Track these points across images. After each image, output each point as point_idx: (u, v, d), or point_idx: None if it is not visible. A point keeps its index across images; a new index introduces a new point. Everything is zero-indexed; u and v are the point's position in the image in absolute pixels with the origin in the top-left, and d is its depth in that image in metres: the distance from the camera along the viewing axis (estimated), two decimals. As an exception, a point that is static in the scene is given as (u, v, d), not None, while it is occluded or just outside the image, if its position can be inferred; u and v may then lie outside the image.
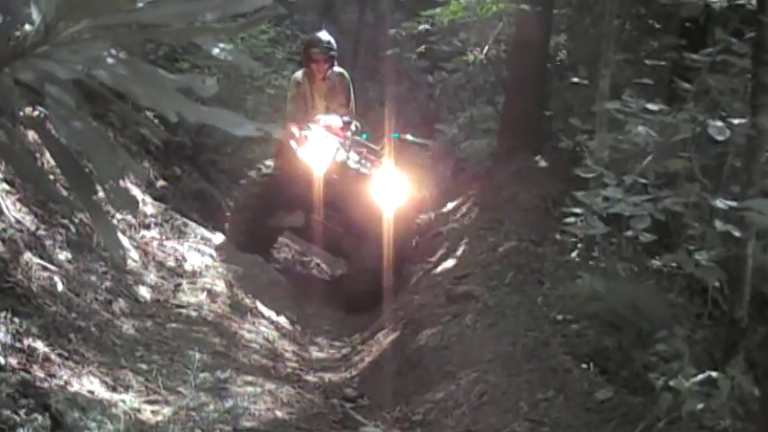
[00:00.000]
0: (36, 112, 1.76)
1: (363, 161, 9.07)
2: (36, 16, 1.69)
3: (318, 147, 8.77)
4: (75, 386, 4.43)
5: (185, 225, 8.22)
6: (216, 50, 1.97)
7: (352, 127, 9.44)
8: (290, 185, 8.79)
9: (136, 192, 7.44)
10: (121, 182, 1.92)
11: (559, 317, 6.45)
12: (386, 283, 8.67)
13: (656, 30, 8.08)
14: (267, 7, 1.93)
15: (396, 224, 8.78)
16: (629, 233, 6.61)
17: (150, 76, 1.80)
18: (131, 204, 2.30)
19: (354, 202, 8.81)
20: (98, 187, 1.91)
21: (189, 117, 1.80)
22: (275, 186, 8.91)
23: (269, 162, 9.25)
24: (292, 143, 8.83)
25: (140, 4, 1.77)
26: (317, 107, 9.52)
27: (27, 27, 1.71)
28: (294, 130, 8.97)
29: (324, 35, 9.72)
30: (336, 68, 9.74)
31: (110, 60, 1.77)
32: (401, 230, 8.99)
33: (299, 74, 9.84)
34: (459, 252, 8.99)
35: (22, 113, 1.88)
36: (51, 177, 3.21)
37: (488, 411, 5.41)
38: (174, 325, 6.23)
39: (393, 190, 8.85)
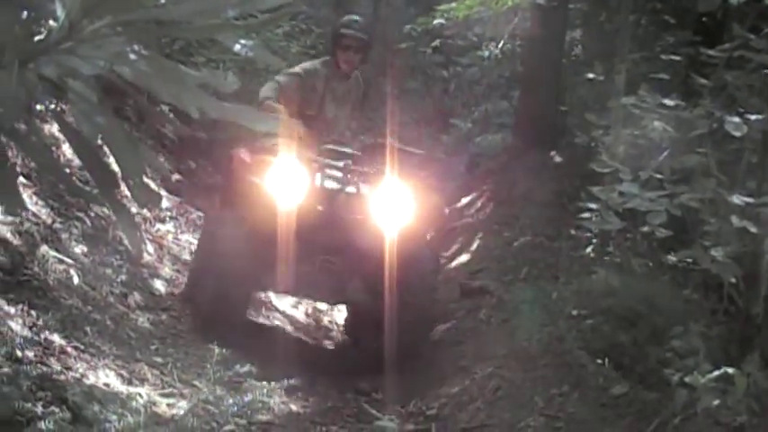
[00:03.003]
0: (58, 107, 1.77)
1: (354, 177, 6.54)
2: (60, 13, 1.70)
3: (289, 178, 6.28)
4: (91, 379, 4.45)
5: (200, 219, 8.23)
6: (237, 46, 1.99)
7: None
8: (268, 233, 6.10)
9: (154, 186, 7.46)
10: (143, 176, 1.94)
11: (574, 312, 6.45)
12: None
13: (671, 25, 8.06)
14: (287, 4, 1.95)
15: (412, 264, 6.45)
16: (645, 229, 6.61)
17: (172, 73, 1.82)
18: (154, 199, 2.32)
19: (357, 236, 6.35)
20: (120, 181, 1.93)
21: (211, 113, 1.81)
22: (253, 238, 6.18)
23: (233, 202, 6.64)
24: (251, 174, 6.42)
25: (162, 1, 1.79)
26: (326, 111, 7.14)
27: (51, 23, 1.73)
28: (247, 155, 6.64)
29: (358, 18, 7.46)
30: (365, 67, 7.72)
31: (131, 56, 1.78)
32: (420, 271, 6.68)
33: (317, 62, 7.35)
34: (473, 247, 8.98)
35: (41, 108, 1.90)
36: (69, 171, 3.23)
37: (503, 406, 5.41)
38: (189, 318, 6.25)
39: (400, 211, 6.43)
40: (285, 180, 6.19)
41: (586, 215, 6.94)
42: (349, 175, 6.48)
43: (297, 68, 7.33)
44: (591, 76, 9.13)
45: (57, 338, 4.71)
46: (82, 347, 4.92)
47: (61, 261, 5.71)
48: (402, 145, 7.05)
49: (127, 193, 1.92)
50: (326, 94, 7.14)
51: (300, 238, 6.18)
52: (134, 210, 6.69)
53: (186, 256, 7.58)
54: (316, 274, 6.50)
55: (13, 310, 4.64)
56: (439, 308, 7.22)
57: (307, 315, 8.38)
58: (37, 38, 1.71)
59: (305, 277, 6.48)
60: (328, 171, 6.46)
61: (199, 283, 6.64)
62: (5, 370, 3.79)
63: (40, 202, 5.93)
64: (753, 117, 5.71)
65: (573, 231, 7.69)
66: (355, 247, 6.38)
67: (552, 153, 9.26)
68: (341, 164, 6.55)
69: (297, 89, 7.03)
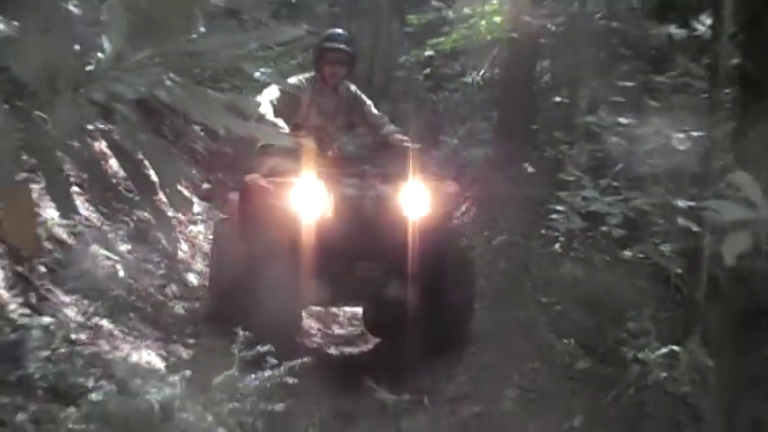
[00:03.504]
0: (105, 127, 1.77)
1: (372, 181, 5.72)
2: (107, 46, 1.71)
3: (310, 196, 5.44)
4: (134, 357, 4.46)
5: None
6: (257, 74, 1.99)
7: None
8: (303, 252, 5.37)
9: (187, 193, 7.46)
10: (178, 185, 1.94)
11: (544, 299, 6.45)
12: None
13: (627, 56, 8.06)
14: (300, 38, 1.95)
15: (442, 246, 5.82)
16: (604, 228, 6.63)
17: (202, 97, 1.81)
18: (187, 205, 2.32)
19: (388, 237, 5.51)
20: (158, 189, 1.93)
21: (235, 130, 1.81)
22: (290, 259, 5.33)
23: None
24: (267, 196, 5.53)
25: (194, 36, 1.79)
26: (312, 123, 6.25)
27: (99, 55, 1.73)
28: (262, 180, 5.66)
29: (342, 32, 6.50)
30: (347, 83, 6.49)
31: (168, 83, 1.78)
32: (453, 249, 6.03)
33: (302, 77, 6.38)
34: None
35: (91, 128, 1.90)
36: (115, 181, 3.23)
37: (484, 380, 5.41)
38: (221, 307, 6.24)
39: (424, 204, 5.65)
40: (307, 198, 5.38)
41: (555, 216, 6.96)
42: (367, 181, 5.63)
43: (282, 84, 6.26)
44: (558, 99, 9.15)
45: (105, 323, 4.72)
46: (126, 331, 4.93)
47: (109, 258, 5.72)
48: (401, 138, 6.20)
49: (164, 199, 1.92)
50: (312, 107, 6.22)
51: (334, 250, 5.36)
52: (170, 214, 6.70)
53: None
54: (355, 282, 5.63)
55: (68, 300, 4.64)
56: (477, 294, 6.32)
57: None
58: (87, 68, 1.71)
59: (344, 287, 5.68)
60: (346, 180, 5.60)
61: (231, 306, 5.29)
62: (62, 350, 3.79)
63: (91, 208, 5.94)
64: (694, 134, 5.73)
65: (543, 231, 7.68)
66: (389, 247, 5.50)
67: (526, 164, 9.22)
68: (357, 171, 5.73)
69: (284, 103, 6.04)
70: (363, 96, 6.47)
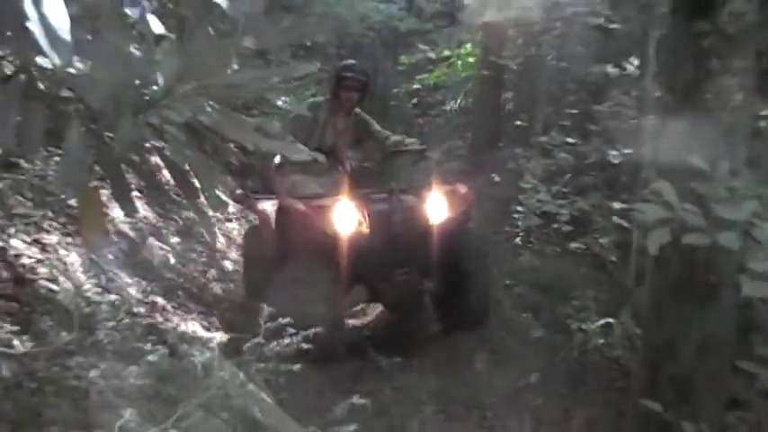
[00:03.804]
0: (159, 144, 1.78)
1: (399, 196, 5.26)
2: (160, 80, 1.72)
3: (347, 217, 5.03)
4: (182, 327, 4.45)
5: (255, 220, 8.22)
6: (279, 102, 2.01)
7: None
8: (346, 268, 4.98)
9: (223, 197, 7.45)
10: (216, 190, 1.95)
11: (507, 282, 6.46)
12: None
13: (572, 89, 8.08)
14: (313, 73, 1.96)
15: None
16: (555, 225, 6.64)
17: (236, 120, 1.83)
18: (223, 206, 2.32)
19: (420, 245, 5.15)
20: (201, 194, 1.94)
21: (262, 147, 1.82)
22: (335, 276, 5.00)
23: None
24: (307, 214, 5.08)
25: (230, 72, 1.80)
26: (326, 140, 5.77)
27: (154, 87, 1.74)
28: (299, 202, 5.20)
29: (357, 63, 6.09)
30: (359, 111, 6.00)
31: (208, 109, 1.79)
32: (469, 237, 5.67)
33: (321, 100, 6.05)
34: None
35: (148, 145, 1.90)
36: (167, 188, 3.24)
37: (462, 347, 5.41)
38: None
39: (447, 209, 5.30)
40: (345, 220, 4.98)
41: (516, 216, 6.97)
42: (394, 196, 5.16)
43: (299, 110, 5.47)
44: (518, 122, 9.16)
45: (159, 300, 4.71)
46: (176, 306, 4.92)
47: (162, 248, 5.71)
48: (410, 141, 5.87)
49: (205, 201, 1.93)
50: (327, 127, 5.76)
51: (373, 261, 5.00)
52: (210, 213, 6.68)
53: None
54: (393, 286, 5.24)
55: (130, 281, 4.64)
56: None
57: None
58: (145, 97, 1.72)
59: (383, 291, 5.30)
60: (376, 197, 5.20)
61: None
62: (126, 321, 3.79)
63: (148, 209, 5.93)
64: (626, 151, 5.75)
65: (507, 227, 7.69)
66: (419, 252, 5.15)
67: (493, 175, 9.23)
68: (385, 188, 5.22)
69: (301, 126, 5.57)
70: (367, 117, 6.05)
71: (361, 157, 5.77)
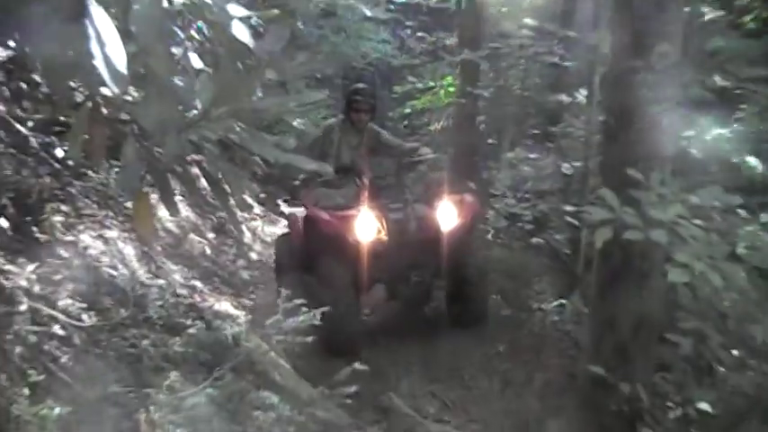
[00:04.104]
0: (198, 157, 1.78)
1: (412, 205, 5.02)
2: (198, 104, 1.72)
3: (367, 224, 4.77)
4: (216, 306, 4.45)
5: (276, 220, 8.23)
6: (295, 122, 2.01)
7: None
8: (367, 269, 4.71)
9: (250, 200, 7.45)
10: (243, 195, 1.95)
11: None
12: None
13: (533, 114, 8.09)
14: (323, 100, 1.96)
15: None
16: (519, 224, 6.64)
17: (259, 138, 1.82)
18: (248, 208, 2.32)
19: (432, 248, 4.85)
20: (231, 198, 1.94)
21: (281, 160, 1.83)
22: (357, 275, 4.76)
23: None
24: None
25: (254, 98, 1.80)
26: (342, 157, 5.41)
27: (193, 111, 1.74)
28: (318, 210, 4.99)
29: (366, 86, 5.83)
30: (371, 125, 5.59)
31: (237, 129, 1.79)
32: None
33: (334, 121, 5.70)
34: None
35: (188, 158, 1.90)
36: (204, 192, 3.24)
37: (441, 324, 5.39)
38: (271, 275, 6.25)
39: (455, 216, 5.00)
40: (366, 227, 4.71)
41: (488, 216, 6.95)
42: (409, 206, 4.94)
43: (318, 130, 5.78)
44: (490, 141, 9.15)
45: (198, 284, 4.72)
46: (212, 289, 4.93)
47: (200, 242, 5.71)
48: (421, 150, 5.50)
49: (234, 203, 1.93)
50: (342, 143, 5.43)
51: (391, 264, 4.76)
52: (239, 213, 6.67)
53: (268, 239, 7.46)
54: (409, 287, 4.98)
55: (175, 268, 4.64)
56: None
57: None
58: (186, 119, 1.72)
59: (399, 291, 5.00)
60: (393, 206, 4.91)
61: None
62: (171, 301, 3.78)
63: (189, 210, 5.93)
64: (576, 164, 5.75)
65: (481, 226, 7.68)
66: (432, 256, 4.86)
67: (471, 183, 9.24)
68: (401, 199, 4.98)
69: (317, 144, 5.38)
70: (379, 129, 5.66)
71: (377, 170, 5.27)
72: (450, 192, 5.12)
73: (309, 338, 3.42)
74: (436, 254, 4.83)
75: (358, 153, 5.46)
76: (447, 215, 4.93)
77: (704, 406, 3.42)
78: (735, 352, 3.47)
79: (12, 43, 2.27)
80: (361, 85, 5.71)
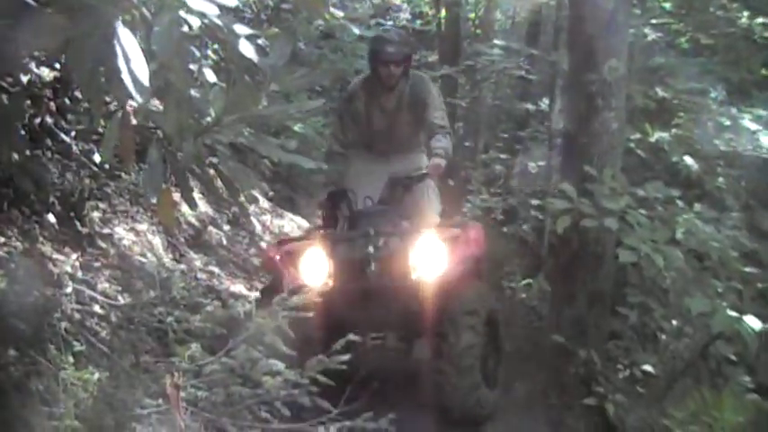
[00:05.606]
0: (213, 159, 1.79)
1: (382, 238, 2.94)
2: (212, 112, 1.73)
3: (316, 263, 2.91)
4: (231, 288, 4.44)
5: (283, 214, 8.17)
6: (296, 127, 2.02)
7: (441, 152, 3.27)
8: (316, 322, 2.50)
9: (258, 196, 7.39)
10: (252, 191, 1.96)
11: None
12: None
13: (504, 120, 8.11)
14: (320, 107, 1.97)
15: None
16: (493, 215, 6.65)
17: (265, 141, 1.83)
18: (255, 200, 2.32)
19: (403, 302, 2.86)
20: (241, 194, 1.95)
21: (284, 160, 1.83)
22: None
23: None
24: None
25: (261, 107, 1.81)
26: (374, 126, 3.32)
27: (208, 118, 1.74)
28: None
29: (393, 30, 3.87)
30: (415, 73, 3.44)
31: (246, 133, 1.79)
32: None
33: (356, 83, 3.46)
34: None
35: (206, 159, 1.91)
36: (219, 189, 3.25)
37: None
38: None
39: (437, 259, 2.88)
40: (311, 266, 2.91)
41: (465, 210, 6.96)
42: (377, 238, 2.91)
43: (337, 105, 3.90)
44: (467, 143, 9.14)
45: (215, 269, 4.70)
46: (227, 273, 4.91)
47: (217, 233, 5.68)
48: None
49: (243, 199, 1.94)
50: (372, 109, 3.30)
51: (340, 323, 2.72)
52: (250, 208, 6.65)
53: (276, 231, 7.39)
54: (366, 353, 2.91)
55: (196, 257, 4.62)
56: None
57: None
58: (202, 126, 1.73)
59: (356, 357, 2.49)
60: (351, 242, 3.00)
61: None
62: (192, 284, 3.79)
63: (206, 205, 5.91)
64: (541, 163, 5.78)
65: (459, 218, 7.67)
66: (406, 313, 2.89)
67: (450, 180, 9.22)
68: (365, 231, 2.93)
69: (341, 125, 3.36)
70: (428, 96, 3.33)
71: (408, 167, 3.42)
72: (448, 219, 3.50)
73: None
74: (408, 311, 2.90)
75: (395, 120, 3.36)
76: (427, 256, 2.90)
77: (648, 368, 3.48)
78: (674, 322, 3.52)
79: (57, 65, 2.28)
80: (387, 30, 3.95)
